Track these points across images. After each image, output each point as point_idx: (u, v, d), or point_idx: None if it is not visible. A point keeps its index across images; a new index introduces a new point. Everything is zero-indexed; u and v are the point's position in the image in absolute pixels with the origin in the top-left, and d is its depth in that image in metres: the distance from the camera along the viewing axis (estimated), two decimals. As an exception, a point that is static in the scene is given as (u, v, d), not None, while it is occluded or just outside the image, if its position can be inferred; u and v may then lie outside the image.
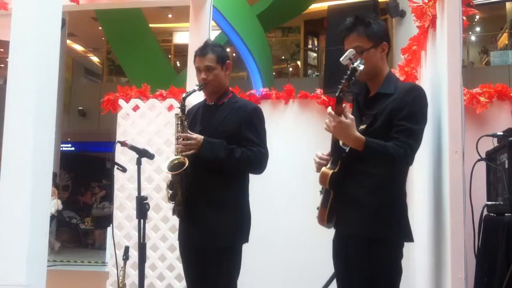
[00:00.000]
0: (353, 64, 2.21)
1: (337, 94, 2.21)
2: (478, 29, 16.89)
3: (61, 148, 13.61)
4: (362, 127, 2.37)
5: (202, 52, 2.90)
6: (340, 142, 2.36)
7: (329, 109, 2.28)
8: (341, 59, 2.33)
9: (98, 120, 14.87)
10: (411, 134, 2.28)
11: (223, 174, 2.79)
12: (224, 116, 2.87)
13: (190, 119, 2.94)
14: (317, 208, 2.47)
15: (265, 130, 2.92)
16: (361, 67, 2.20)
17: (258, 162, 2.81)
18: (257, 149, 2.80)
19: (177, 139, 2.82)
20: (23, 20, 2.50)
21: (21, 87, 2.46)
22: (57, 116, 2.64)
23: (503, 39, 15.51)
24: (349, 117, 2.23)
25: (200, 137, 2.76)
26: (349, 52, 2.31)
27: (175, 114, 2.89)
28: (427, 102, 2.41)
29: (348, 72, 2.20)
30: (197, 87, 2.88)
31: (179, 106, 2.89)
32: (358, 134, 2.25)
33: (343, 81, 2.20)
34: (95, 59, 20.94)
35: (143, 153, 2.91)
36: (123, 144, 2.92)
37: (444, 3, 2.57)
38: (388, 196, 2.34)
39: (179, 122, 2.85)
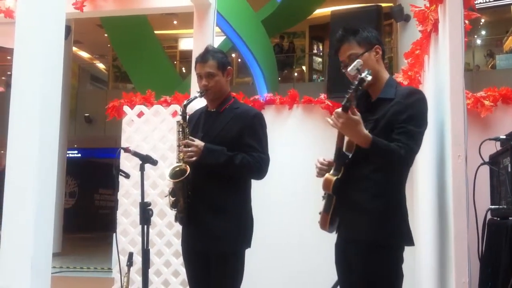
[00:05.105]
0: (360, 74, 2.20)
1: (343, 104, 2.20)
2: (483, 32, 16.85)
3: (67, 155, 13.63)
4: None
5: (203, 58, 2.90)
6: (344, 148, 2.36)
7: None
8: (348, 70, 2.35)
9: (104, 126, 14.90)
10: (411, 136, 2.29)
11: (225, 180, 2.79)
12: (225, 122, 2.87)
13: (192, 125, 2.95)
14: (319, 213, 2.48)
15: (266, 136, 2.91)
16: (369, 77, 2.19)
17: (259, 168, 2.81)
18: (257, 154, 2.80)
19: (179, 146, 2.83)
20: (27, 28, 2.51)
21: (25, 94, 2.47)
22: (63, 122, 2.66)
23: (509, 42, 15.46)
24: (357, 114, 2.23)
25: (200, 143, 2.76)
26: (357, 62, 2.32)
27: (177, 122, 2.90)
28: (427, 106, 2.41)
29: (356, 82, 2.19)
30: (198, 93, 2.89)
31: (180, 113, 2.90)
32: (366, 131, 2.25)
33: (350, 91, 2.18)
34: (101, 66, 21.03)
35: (146, 159, 2.93)
36: (126, 150, 2.94)
37: (446, 7, 2.56)
38: (389, 201, 2.34)
39: (181, 129, 2.86)
